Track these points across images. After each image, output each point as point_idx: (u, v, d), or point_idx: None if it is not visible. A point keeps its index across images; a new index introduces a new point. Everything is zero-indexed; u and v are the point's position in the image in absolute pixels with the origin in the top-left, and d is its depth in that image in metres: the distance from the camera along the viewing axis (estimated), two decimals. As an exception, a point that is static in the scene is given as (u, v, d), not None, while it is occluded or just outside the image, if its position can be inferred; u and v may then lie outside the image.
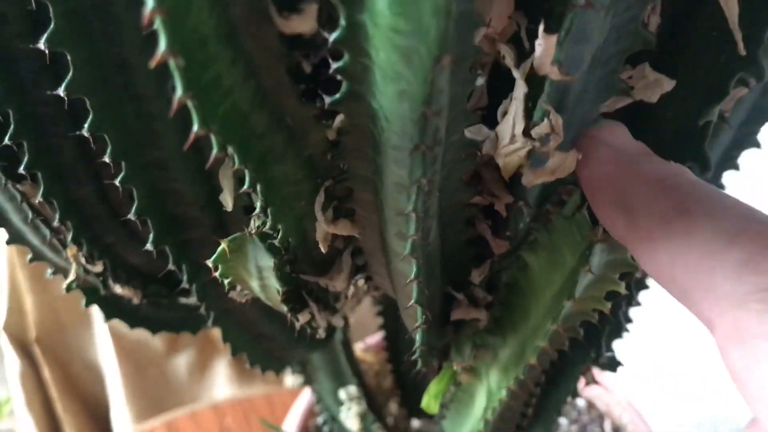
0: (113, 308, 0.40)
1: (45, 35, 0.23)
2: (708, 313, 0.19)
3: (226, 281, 0.29)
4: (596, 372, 0.45)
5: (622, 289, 0.26)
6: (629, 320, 0.39)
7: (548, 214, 0.27)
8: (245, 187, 0.21)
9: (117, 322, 1.04)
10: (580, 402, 0.68)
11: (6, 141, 0.28)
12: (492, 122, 0.25)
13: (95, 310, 1.11)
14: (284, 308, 0.30)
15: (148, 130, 0.27)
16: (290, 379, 1.07)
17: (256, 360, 0.40)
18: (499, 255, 0.29)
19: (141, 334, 1.04)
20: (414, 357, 0.31)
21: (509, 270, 0.30)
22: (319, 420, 0.58)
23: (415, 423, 0.60)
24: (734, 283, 0.18)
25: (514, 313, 0.31)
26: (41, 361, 1.12)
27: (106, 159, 0.26)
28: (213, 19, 0.17)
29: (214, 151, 0.19)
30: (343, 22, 0.18)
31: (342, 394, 0.52)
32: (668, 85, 0.26)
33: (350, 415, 0.52)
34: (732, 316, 0.18)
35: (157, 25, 0.15)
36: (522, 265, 0.29)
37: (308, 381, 0.53)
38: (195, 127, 0.17)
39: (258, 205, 0.23)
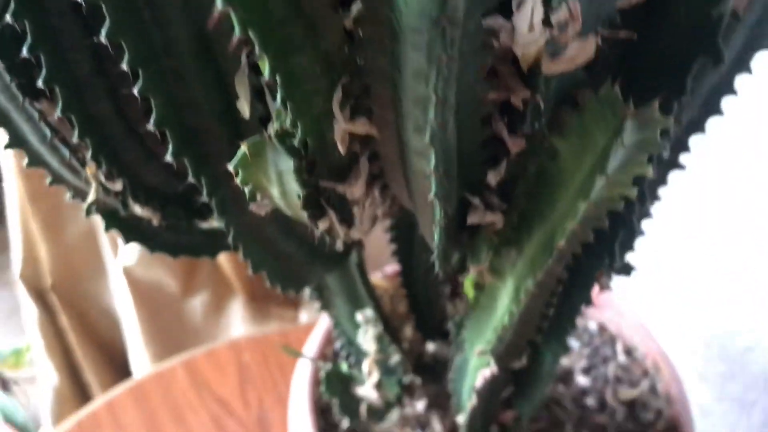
0: (133, 232, 0.41)
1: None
2: None
3: (246, 189, 0.30)
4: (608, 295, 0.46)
5: (649, 172, 0.26)
6: (641, 231, 0.40)
7: (577, 101, 0.27)
8: (266, 75, 0.21)
9: (131, 267, 1.05)
10: (592, 325, 0.69)
11: (24, 54, 0.28)
12: (507, 15, 0.25)
13: (109, 257, 1.13)
14: (304, 215, 0.30)
15: (165, 36, 0.27)
16: (305, 315, 1.09)
17: (276, 278, 0.40)
18: (515, 155, 0.29)
19: (156, 277, 1.06)
20: (432, 258, 0.31)
21: (537, 160, 0.30)
22: (337, 345, 0.59)
23: (430, 346, 0.62)
24: None
25: (541, 203, 0.31)
26: (58, 308, 1.15)
27: (124, 66, 0.27)
28: None
29: (236, 32, 0.19)
30: None
31: (358, 317, 0.53)
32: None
33: (367, 338, 0.53)
34: None
35: None
36: (551, 153, 0.29)
37: (325, 306, 0.54)
38: (218, 4, 0.18)
39: (278, 98, 0.23)
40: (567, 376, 0.65)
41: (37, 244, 1.10)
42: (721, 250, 0.70)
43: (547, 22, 0.23)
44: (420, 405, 0.60)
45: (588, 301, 0.41)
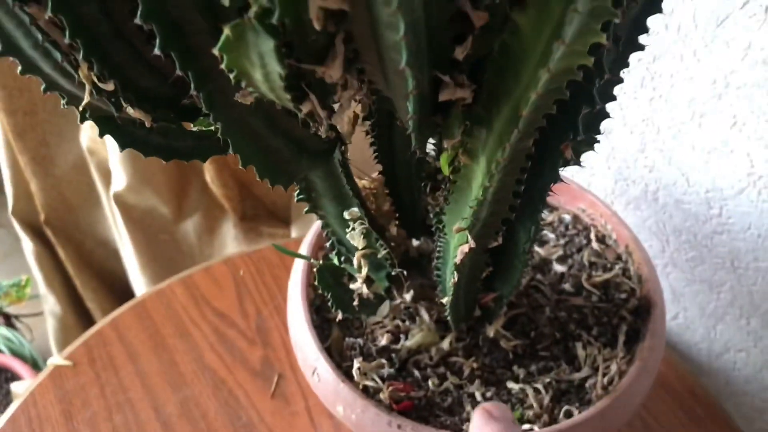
0: (127, 137, 0.43)
1: None
2: None
3: (232, 75, 0.32)
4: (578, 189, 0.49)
5: (603, 40, 0.29)
6: (606, 114, 0.42)
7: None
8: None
9: (122, 193, 1.07)
10: (566, 218, 0.73)
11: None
12: None
13: (100, 189, 1.15)
14: (287, 98, 0.33)
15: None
16: (295, 232, 1.13)
17: (265, 172, 0.43)
18: (480, 29, 0.32)
19: (147, 203, 1.08)
20: (408, 132, 0.34)
21: (501, 37, 0.32)
22: (327, 245, 0.62)
23: (415, 243, 0.65)
24: None
25: (507, 81, 0.33)
26: (54, 241, 1.17)
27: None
28: None
29: None
30: None
31: (345, 215, 0.56)
32: None
33: (355, 235, 0.57)
34: None
35: None
36: (513, 28, 0.31)
37: (314, 207, 0.57)
38: None
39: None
40: (544, 265, 0.69)
41: (26, 180, 1.12)
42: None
43: None
44: (408, 297, 0.64)
45: (556, 178, 0.44)
